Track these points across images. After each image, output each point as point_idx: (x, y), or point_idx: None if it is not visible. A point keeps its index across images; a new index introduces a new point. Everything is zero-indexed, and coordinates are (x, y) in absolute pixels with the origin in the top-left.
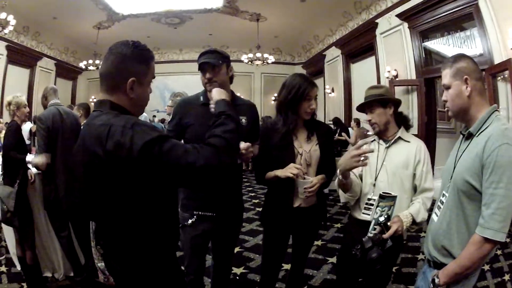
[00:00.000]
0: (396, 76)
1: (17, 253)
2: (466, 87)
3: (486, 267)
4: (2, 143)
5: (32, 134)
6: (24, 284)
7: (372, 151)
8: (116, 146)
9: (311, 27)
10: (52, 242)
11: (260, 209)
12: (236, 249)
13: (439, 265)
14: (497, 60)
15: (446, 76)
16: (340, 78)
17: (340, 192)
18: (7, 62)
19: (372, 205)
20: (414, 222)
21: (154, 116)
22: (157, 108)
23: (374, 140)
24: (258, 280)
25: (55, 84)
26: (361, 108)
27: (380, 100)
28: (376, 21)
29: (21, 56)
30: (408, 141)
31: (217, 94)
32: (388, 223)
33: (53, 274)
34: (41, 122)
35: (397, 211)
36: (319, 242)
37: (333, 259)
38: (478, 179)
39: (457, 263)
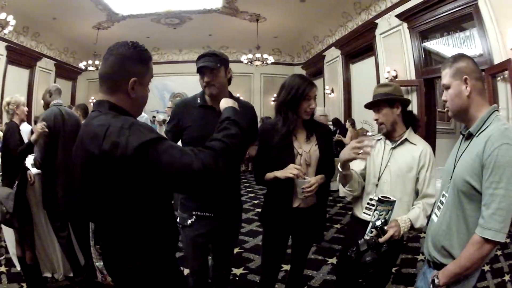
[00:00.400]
0: (396, 77)
1: (17, 253)
2: (466, 87)
3: (486, 268)
4: (4, 144)
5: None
6: (24, 284)
7: (372, 145)
8: (111, 146)
9: (311, 28)
10: (52, 242)
11: (259, 210)
12: (236, 250)
13: (439, 266)
14: (496, 60)
15: (446, 76)
16: (340, 78)
17: (340, 186)
18: (7, 63)
19: (373, 205)
20: (412, 227)
21: (154, 116)
22: (157, 108)
23: (381, 139)
24: (258, 281)
25: None
26: (369, 106)
27: (387, 99)
28: (376, 21)
29: (21, 57)
30: (415, 144)
31: (224, 102)
32: (385, 227)
33: (52, 275)
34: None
35: (397, 214)
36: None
37: (333, 260)
38: (478, 180)
39: (456, 263)
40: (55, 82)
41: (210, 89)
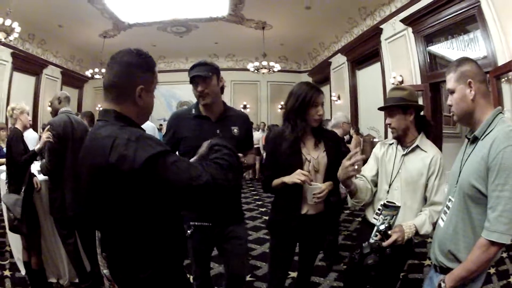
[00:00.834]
0: (402, 82)
1: (23, 258)
2: (470, 91)
3: (492, 270)
4: (9, 151)
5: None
6: None
7: (363, 159)
8: (119, 159)
9: (317, 34)
10: (58, 248)
11: (267, 218)
12: None
13: (445, 270)
14: (500, 62)
15: (451, 80)
16: (346, 85)
17: (348, 197)
18: (12, 69)
19: (380, 211)
20: (417, 233)
21: (161, 125)
22: (164, 116)
23: (392, 144)
24: None
25: None
26: (382, 109)
27: (400, 105)
28: (381, 26)
29: (27, 64)
30: (426, 151)
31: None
32: (389, 232)
33: (58, 280)
34: (52, 128)
35: (405, 221)
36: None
37: (340, 267)
38: (484, 183)
39: (463, 267)
40: (61, 89)
41: (204, 98)
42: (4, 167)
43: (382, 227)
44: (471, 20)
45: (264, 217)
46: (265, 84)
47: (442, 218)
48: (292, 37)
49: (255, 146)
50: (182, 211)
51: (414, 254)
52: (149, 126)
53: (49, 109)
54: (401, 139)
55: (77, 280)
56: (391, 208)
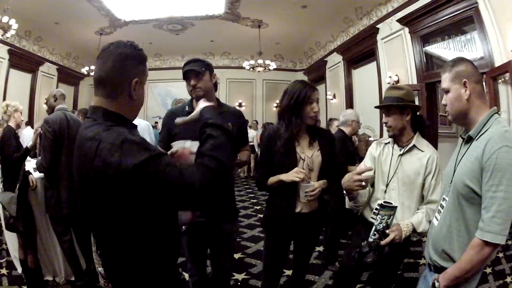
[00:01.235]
0: (398, 81)
1: (19, 256)
2: (465, 91)
3: (488, 270)
4: (1, 149)
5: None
6: (25, 287)
7: (372, 177)
8: (104, 165)
9: (313, 33)
10: (54, 245)
11: (261, 216)
12: (238, 255)
13: (439, 269)
14: (497, 63)
15: (446, 80)
16: (342, 84)
17: (346, 199)
18: (9, 66)
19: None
20: (414, 231)
21: (156, 122)
22: (159, 114)
23: (388, 143)
24: (260, 286)
25: None
26: (380, 107)
27: (397, 105)
28: (377, 26)
29: (23, 61)
30: (422, 151)
31: (201, 102)
32: (387, 231)
33: (54, 278)
34: (48, 125)
35: (404, 220)
36: (321, 248)
37: (336, 265)
38: (478, 183)
39: (457, 266)
40: (57, 87)
41: (196, 92)
42: None
43: (380, 226)
44: (468, 21)
45: (259, 215)
46: (261, 82)
47: (436, 217)
48: (288, 36)
49: (250, 143)
50: None
51: (409, 253)
52: (143, 125)
53: (45, 106)
54: (397, 139)
55: (73, 278)
56: (388, 208)
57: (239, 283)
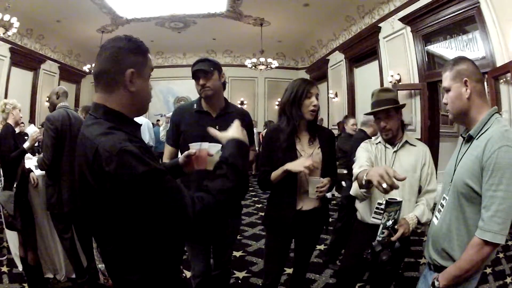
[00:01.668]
0: (399, 80)
1: (20, 253)
2: (466, 89)
3: (488, 270)
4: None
5: None
6: (26, 285)
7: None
8: (100, 173)
9: (315, 32)
10: (54, 243)
11: (262, 214)
12: (239, 253)
13: (439, 268)
14: (499, 63)
15: (446, 78)
16: (344, 82)
17: (355, 185)
18: (11, 64)
19: (382, 209)
20: (419, 222)
21: (158, 120)
22: (161, 112)
23: (379, 143)
24: (261, 284)
25: None
26: (376, 112)
27: (396, 107)
28: (379, 25)
29: (25, 59)
30: (414, 145)
31: (234, 129)
32: (396, 226)
33: (54, 276)
34: (50, 123)
35: (405, 214)
36: (321, 247)
37: (336, 264)
38: (478, 182)
39: (456, 266)
40: (59, 84)
41: (204, 91)
42: None
43: (389, 223)
44: (470, 21)
45: (260, 213)
46: (263, 80)
47: (436, 216)
48: (290, 34)
49: None
50: None
51: (410, 252)
52: (143, 122)
53: (47, 104)
54: (390, 139)
55: (74, 275)
56: (394, 204)
57: (240, 281)
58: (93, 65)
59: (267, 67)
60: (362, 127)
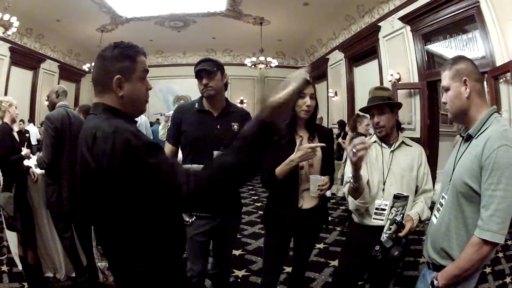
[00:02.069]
0: (399, 80)
1: (19, 252)
2: (465, 89)
3: (488, 270)
4: None
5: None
6: (25, 284)
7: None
8: (99, 153)
9: (314, 31)
10: (54, 242)
11: (262, 212)
12: (238, 252)
13: (438, 267)
14: (499, 62)
15: (446, 78)
16: (343, 81)
17: (350, 199)
18: (10, 64)
19: (383, 209)
20: (419, 220)
21: (158, 119)
22: (161, 111)
23: (375, 142)
24: (260, 283)
25: None
26: (366, 109)
27: (390, 104)
28: (379, 24)
29: (25, 58)
30: (411, 146)
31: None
32: (403, 222)
33: (54, 275)
34: (50, 122)
35: (405, 212)
36: (321, 245)
37: (335, 262)
38: (477, 181)
39: (455, 265)
40: (58, 84)
41: (207, 90)
42: None
43: (398, 218)
44: (470, 20)
45: (260, 212)
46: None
47: (435, 215)
48: (290, 33)
49: None
50: None
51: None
52: (140, 119)
53: (46, 103)
54: (385, 138)
55: (73, 274)
56: (402, 199)
57: (239, 280)
58: (93, 64)
59: (267, 66)
60: None
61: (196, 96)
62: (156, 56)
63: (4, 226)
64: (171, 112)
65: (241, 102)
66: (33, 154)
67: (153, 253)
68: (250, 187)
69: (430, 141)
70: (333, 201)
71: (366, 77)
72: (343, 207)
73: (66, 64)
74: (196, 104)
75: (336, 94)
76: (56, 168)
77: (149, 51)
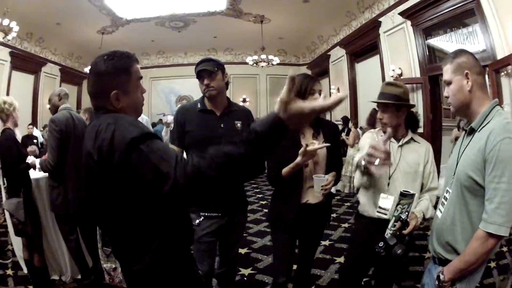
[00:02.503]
0: (401, 75)
1: (24, 256)
2: (467, 82)
3: (493, 264)
4: (3, 158)
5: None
6: (31, 287)
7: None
8: (101, 143)
9: (315, 28)
10: (59, 244)
11: (267, 210)
12: (244, 250)
13: (444, 262)
14: (499, 56)
15: (447, 71)
16: (345, 77)
17: (357, 175)
18: (11, 68)
19: (387, 205)
20: (424, 218)
21: (160, 119)
22: (163, 111)
23: (382, 136)
24: (266, 281)
25: None
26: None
27: (395, 104)
28: (379, 19)
29: (25, 62)
30: (419, 142)
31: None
32: (408, 219)
33: (60, 277)
34: (55, 124)
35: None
36: (326, 242)
37: (341, 259)
38: (481, 174)
39: (461, 259)
40: (60, 87)
41: (209, 90)
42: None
43: (403, 216)
44: (470, 14)
45: (265, 210)
46: (264, 77)
47: (440, 210)
48: (291, 31)
49: None
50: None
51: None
52: (142, 120)
53: (48, 106)
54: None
55: (79, 277)
56: (409, 197)
57: (245, 278)
58: None
59: (269, 64)
60: None
61: (198, 96)
62: (158, 56)
63: (12, 232)
64: (170, 117)
65: (244, 100)
66: (36, 158)
67: (158, 249)
68: (255, 185)
69: (433, 136)
70: (338, 197)
71: (368, 73)
72: (348, 204)
73: (67, 67)
74: (199, 104)
75: (338, 90)
76: (61, 170)
77: (151, 52)
